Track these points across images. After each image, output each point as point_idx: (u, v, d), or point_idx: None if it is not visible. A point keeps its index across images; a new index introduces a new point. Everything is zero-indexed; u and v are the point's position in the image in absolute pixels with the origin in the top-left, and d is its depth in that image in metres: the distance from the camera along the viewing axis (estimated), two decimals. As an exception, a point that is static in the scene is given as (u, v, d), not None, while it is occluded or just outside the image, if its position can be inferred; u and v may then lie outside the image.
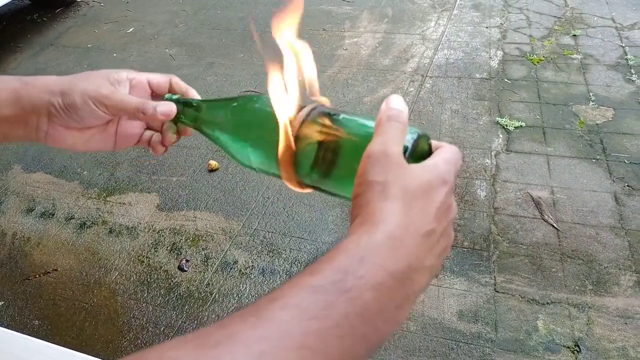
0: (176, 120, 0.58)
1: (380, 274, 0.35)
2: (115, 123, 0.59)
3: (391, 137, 0.40)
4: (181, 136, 0.61)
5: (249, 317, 0.32)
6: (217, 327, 0.32)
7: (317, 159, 0.46)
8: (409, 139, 0.43)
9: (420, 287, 0.37)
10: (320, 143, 0.46)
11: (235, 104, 0.54)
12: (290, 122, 0.47)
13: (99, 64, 3.38)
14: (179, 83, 0.60)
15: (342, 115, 0.47)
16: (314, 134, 0.46)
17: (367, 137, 0.43)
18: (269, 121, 0.48)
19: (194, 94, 0.60)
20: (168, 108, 0.56)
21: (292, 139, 0.47)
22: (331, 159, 0.46)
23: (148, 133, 0.61)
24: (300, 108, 0.49)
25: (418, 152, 0.43)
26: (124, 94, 0.55)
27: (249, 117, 0.52)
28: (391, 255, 0.36)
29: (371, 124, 0.45)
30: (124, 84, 0.56)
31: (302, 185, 0.49)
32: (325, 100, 0.50)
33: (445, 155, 0.42)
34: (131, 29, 3.84)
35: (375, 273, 0.35)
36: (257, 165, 0.52)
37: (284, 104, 0.48)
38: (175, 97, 0.59)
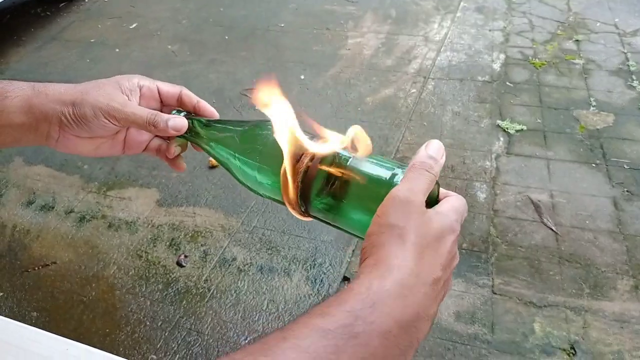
0: (182, 136, 0.58)
1: (388, 322, 0.36)
2: (124, 131, 0.59)
3: (419, 186, 0.41)
4: (184, 150, 0.61)
5: (259, 357, 0.33)
6: None
7: (324, 193, 0.47)
8: None
9: (423, 335, 0.38)
10: (329, 179, 0.47)
11: (246, 128, 0.54)
12: (302, 154, 0.47)
13: (102, 59, 3.38)
14: (189, 95, 0.60)
15: (355, 155, 0.47)
16: (325, 168, 0.47)
17: (377, 181, 0.44)
18: (277, 150, 0.48)
19: (205, 106, 0.60)
20: (180, 123, 0.55)
21: (301, 170, 0.47)
22: (338, 197, 0.46)
23: (156, 141, 0.62)
24: (313, 139, 0.49)
25: (430, 198, 0.44)
26: (134, 107, 0.55)
27: (259, 143, 0.52)
28: (400, 304, 0.37)
29: (384, 167, 0.46)
30: (135, 92, 0.56)
31: (305, 214, 0.49)
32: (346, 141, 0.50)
33: (455, 204, 0.43)
34: (134, 25, 3.84)
35: (384, 321, 0.35)
36: (262, 191, 0.52)
37: (298, 134, 0.48)
38: (182, 113, 0.59)
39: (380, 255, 0.39)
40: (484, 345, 1.65)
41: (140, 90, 0.57)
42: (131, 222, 2.18)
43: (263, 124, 0.53)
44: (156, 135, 0.61)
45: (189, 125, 0.57)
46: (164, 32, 3.70)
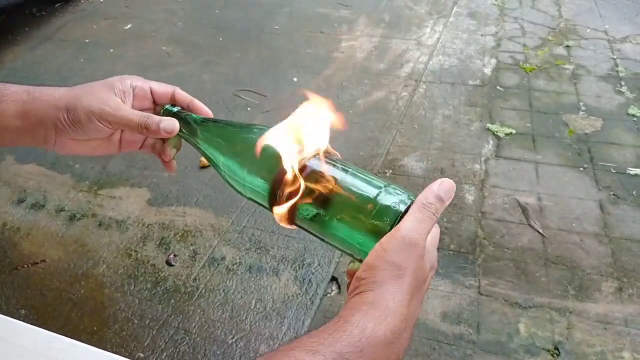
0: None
1: None
2: (119, 133, 0.60)
3: (425, 229, 0.42)
4: (179, 150, 0.62)
5: None
6: None
7: (311, 204, 0.48)
8: (403, 205, 0.45)
9: None
10: (317, 190, 0.47)
11: (240, 129, 0.55)
12: (292, 161, 0.48)
13: (96, 59, 3.39)
14: (183, 94, 0.61)
15: (344, 168, 0.48)
16: (314, 179, 0.47)
17: (363, 197, 0.46)
18: (270, 156, 0.48)
19: (199, 105, 0.61)
20: (171, 125, 0.56)
21: (290, 178, 0.47)
22: (325, 208, 0.47)
23: (151, 139, 0.62)
24: (304, 149, 0.49)
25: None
26: (127, 110, 0.56)
27: (250, 146, 0.51)
28: (387, 351, 0.38)
29: (371, 185, 0.47)
30: (128, 93, 0.57)
31: (290, 222, 0.50)
32: (331, 150, 0.51)
33: (434, 237, 0.45)
34: (129, 26, 3.85)
35: None
36: (249, 194, 0.53)
37: (288, 142, 0.49)
38: (175, 108, 0.59)
39: (377, 294, 0.40)
40: (469, 345, 1.67)
41: (133, 91, 0.58)
42: (121, 221, 2.19)
43: (257, 128, 0.53)
44: None
45: (181, 122, 0.58)
46: (159, 34, 3.71)
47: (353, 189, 0.47)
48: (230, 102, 2.86)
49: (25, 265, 2.02)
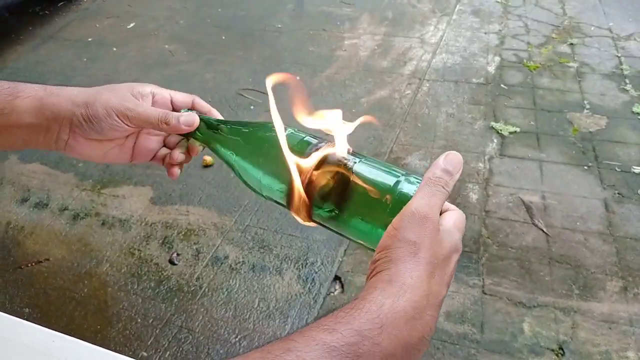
0: (192, 136, 0.58)
1: (394, 345, 0.36)
2: (133, 137, 0.59)
3: (436, 203, 0.42)
4: (192, 156, 0.61)
5: None
6: None
7: (329, 200, 0.47)
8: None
9: (420, 355, 0.39)
10: (335, 185, 0.47)
11: (253, 129, 0.54)
12: (308, 159, 0.48)
13: (99, 58, 3.39)
14: (202, 103, 0.60)
15: (361, 160, 0.48)
16: (331, 175, 0.47)
17: (383, 189, 0.45)
18: (284, 155, 0.48)
19: (217, 115, 0.60)
20: (191, 118, 0.56)
21: (307, 175, 0.47)
22: (342, 204, 0.46)
23: (164, 151, 0.62)
24: (319, 145, 0.49)
25: None
26: (146, 107, 0.56)
27: (265, 146, 0.51)
28: (409, 327, 0.37)
29: (390, 174, 0.46)
30: (147, 97, 0.57)
31: (309, 220, 0.50)
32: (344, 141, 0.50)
33: (458, 221, 0.44)
34: (132, 24, 3.85)
35: (390, 343, 0.36)
36: (267, 193, 0.53)
37: (303, 140, 0.49)
38: (193, 111, 0.59)
39: (394, 272, 0.39)
40: (473, 344, 1.66)
41: (152, 97, 0.58)
42: (125, 220, 2.19)
43: (270, 126, 0.52)
44: (164, 145, 0.62)
45: (199, 124, 0.58)
46: (162, 32, 3.71)
47: (371, 180, 0.46)
48: (233, 101, 2.85)
49: (29, 264, 2.02)
